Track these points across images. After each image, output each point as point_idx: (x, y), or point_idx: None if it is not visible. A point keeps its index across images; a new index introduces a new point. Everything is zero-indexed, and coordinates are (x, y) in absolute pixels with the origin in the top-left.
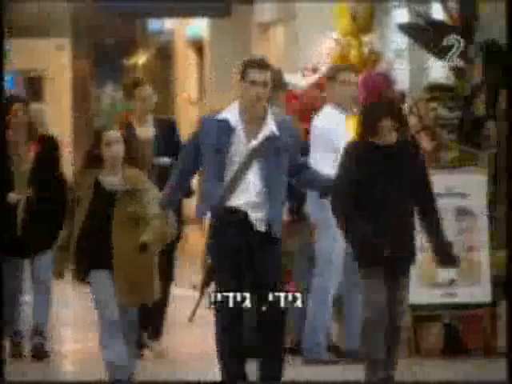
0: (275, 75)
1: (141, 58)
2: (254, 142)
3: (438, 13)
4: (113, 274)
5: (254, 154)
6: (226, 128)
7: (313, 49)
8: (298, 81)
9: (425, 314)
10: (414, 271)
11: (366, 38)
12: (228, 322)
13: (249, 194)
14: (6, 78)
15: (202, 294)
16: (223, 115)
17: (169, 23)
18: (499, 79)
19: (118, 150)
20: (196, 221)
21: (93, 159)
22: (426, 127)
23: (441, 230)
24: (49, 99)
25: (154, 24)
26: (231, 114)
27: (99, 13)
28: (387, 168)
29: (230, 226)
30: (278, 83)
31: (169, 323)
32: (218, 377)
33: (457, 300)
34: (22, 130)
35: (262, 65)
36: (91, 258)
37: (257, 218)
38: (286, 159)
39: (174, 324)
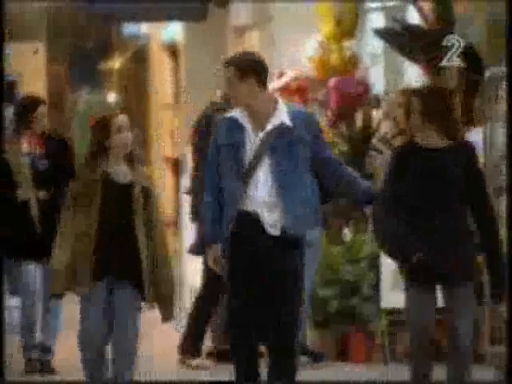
0: None
1: (116, 62)
2: (261, 134)
3: (413, 17)
4: (132, 286)
5: (262, 147)
6: (236, 125)
7: (288, 52)
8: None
9: (399, 319)
10: (388, 275)
11: (346, 43)
12: (241, 329)
13: (259, 192)
14: None
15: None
16: (231, 114)
17: (145, 27)
18: (476, 83)
19: (128, 136)
20: None
21: (97, 150)
22: (402, 131)
23: (498, 258)
24: None
25: (129, 28)
26: (237, 111)
27: (75, 16)
28: (431, 171)
29: (243, 232)
30: None
31: None
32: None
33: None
34: (39, 131)
35: (224, 63)
36: (110, 266)
37: (270, 220)
38: (305, 153)
39: None
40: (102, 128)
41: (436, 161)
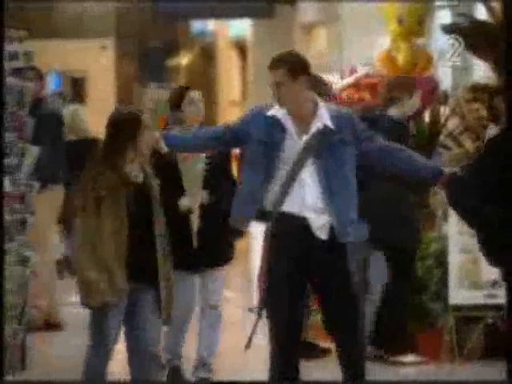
0: (324, 86)
1: (184, 59)
2: (306, 137)
3: (481, 13)
4: (152, 293)
5: (306, 151)
6: (275, 124)
7: (356, 50)
8: (336, 82)
9: (467, 315)
10: (456, 272)
11: (418, 41)
12: (284, 340)
13: (306, 197)
14: (51, 79)
15: (259, 317)
16: (271, 112)
17: (212, 24)
18: None
19: (155, 134)
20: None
21: (117, 149)
22: (469, 128)
23: None
24: (92, 100)
25: (196, 25)
26: (279, 111)
27: (142, 14)
28: None
29: (287, 234)
30: (328, 92)
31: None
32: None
33: (499, 301)
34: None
35: (272, 65)
36: (138, 274)
37: (317, 223)
38: (350, 155)
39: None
40: (130, 125)
41: None
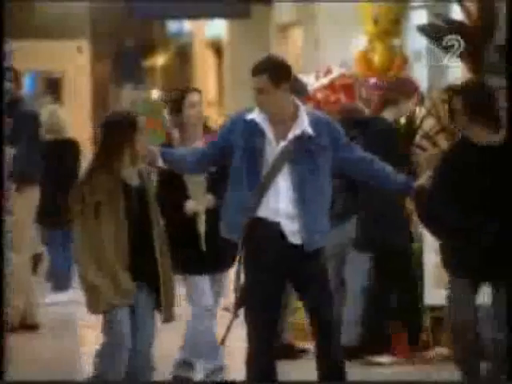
0: (300, 86)
1: (160, 60)
2: (283, 143)
3: (457, 13)
4: (150, 293)
5: (283, 157)
6: (255, 128)
7: (333, 50)
8: (311, 82)
9: (443, 316)
10: (431, 272)
11: (394, 42)
12: (262, 341)
13: (280, 203)
14: (26, 79)
15: (235, 315)
16: (251, 115)
17: (188, 24)
18: None
19: (147, 140)
20: None
21: (113, 151)
22: (445, 128)
23: None
24: (68, 100)
25: (172, 26)
26: (258, 114)
27: (118, 15)
28: (485, 171)
29: (261, 239)
30: (304, 92)
31: None
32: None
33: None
34: (199, 126)
35: (254, 71)
36: (138, 272)
37: (291, 229)
38: (326, 162)
39: None
40: (126, 127)
41: (490, 157)
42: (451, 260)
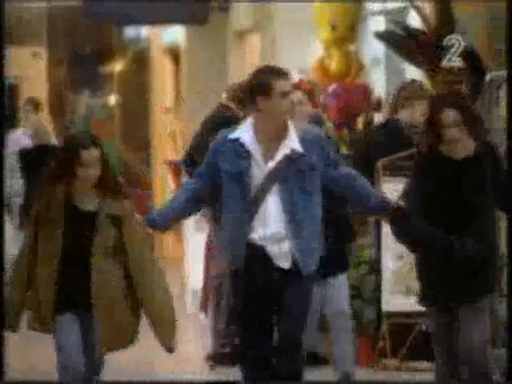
0: None
1: (117, 65)
2: (271, 164)
3: (414, 20)
4: (83, 317)
5: (271, 178)
6: (240, 149)
7: (289, 57)
8: None
9: (401, 322)
10: (389, 278)
11: (350, 48)
12: (254, 368)
13: (268, 225)
14: None
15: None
16: (235, 134)
17: (145, 30)
18: (477, 85)
19: (95, 172)
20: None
21: (66, 173)
22: None
23: None
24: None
25: (130, 31)
26: (244, 132)
27: (75, 20)
28: (458, 184)
29: (248, 263)
30: None
31: None
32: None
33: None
34: None
35: (284, 73)
36: (64, 298)
37: (278, 252)
38: (317, 180)
39: None
40: (68, 155)
41: (462, 171)
42: (419, 288)
